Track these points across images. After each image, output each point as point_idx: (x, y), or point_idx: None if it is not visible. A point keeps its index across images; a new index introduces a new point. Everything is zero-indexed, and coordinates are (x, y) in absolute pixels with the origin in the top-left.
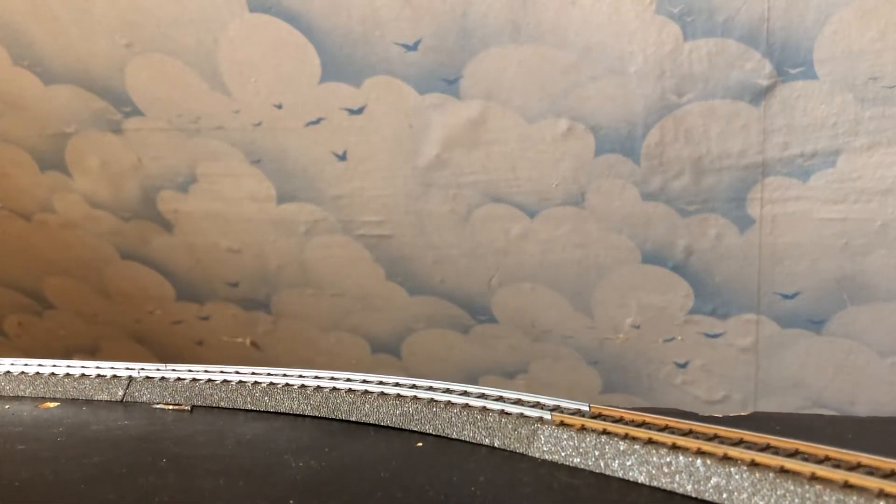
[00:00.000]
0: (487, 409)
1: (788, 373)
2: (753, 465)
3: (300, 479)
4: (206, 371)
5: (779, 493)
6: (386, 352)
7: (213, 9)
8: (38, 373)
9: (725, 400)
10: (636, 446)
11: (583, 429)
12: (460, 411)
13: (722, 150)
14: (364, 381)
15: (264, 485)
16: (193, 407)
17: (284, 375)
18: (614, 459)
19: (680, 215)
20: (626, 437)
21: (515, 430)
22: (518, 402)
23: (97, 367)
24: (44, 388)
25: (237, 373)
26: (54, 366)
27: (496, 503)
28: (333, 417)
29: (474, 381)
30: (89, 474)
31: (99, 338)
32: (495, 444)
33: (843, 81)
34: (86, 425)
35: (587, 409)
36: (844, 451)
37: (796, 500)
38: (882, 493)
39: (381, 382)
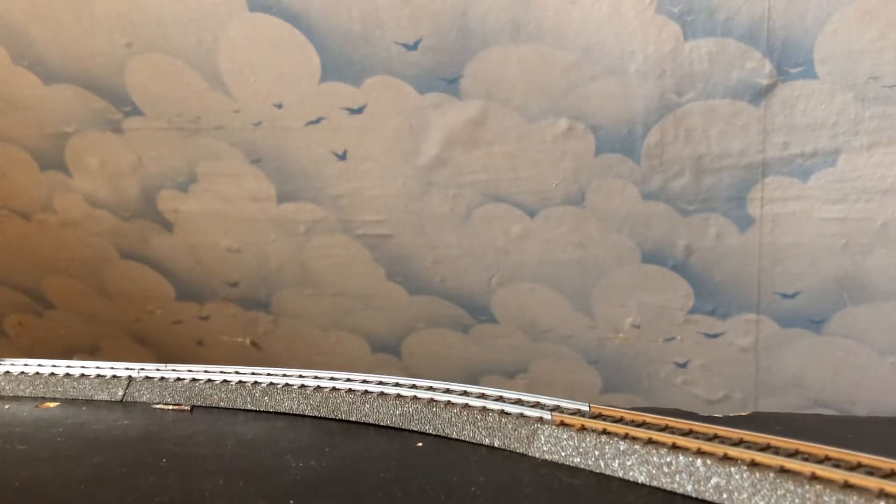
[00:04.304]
0: (487, 409)
1: (788, 373)
2: (753, 465)
3: (300, 479)
4: (206, 371)
5: (779, 493)
6: (386, 351)
7: (213, 8)
8: (38, 373)
9: (725, 399)
10: (636, 446)
11: (583, 429)
12: (460, 411)
13: (722, 150)
14: (364, 381)
15: (264, 485)
16: (193, 407)
17: (284, 375)
18: (614, 459)
19: (680, 215)
20: (626, 437)
21: (515, 430)
22: (518, 402)
23: (97, 367)
24: (44, 388)
25: (237, 373)
26: (54, 366)
27: (496, 503)
28: (333, 417)
29: (474, 381)
30: (89, 474)
31: (99, 338)
32: (495, 444)
33: (843, 81)
34: (86, 425)
35: (587, 409)
36: (844, 451)
37: (796, 500)
38: (882, 493)
39: (381, 382)
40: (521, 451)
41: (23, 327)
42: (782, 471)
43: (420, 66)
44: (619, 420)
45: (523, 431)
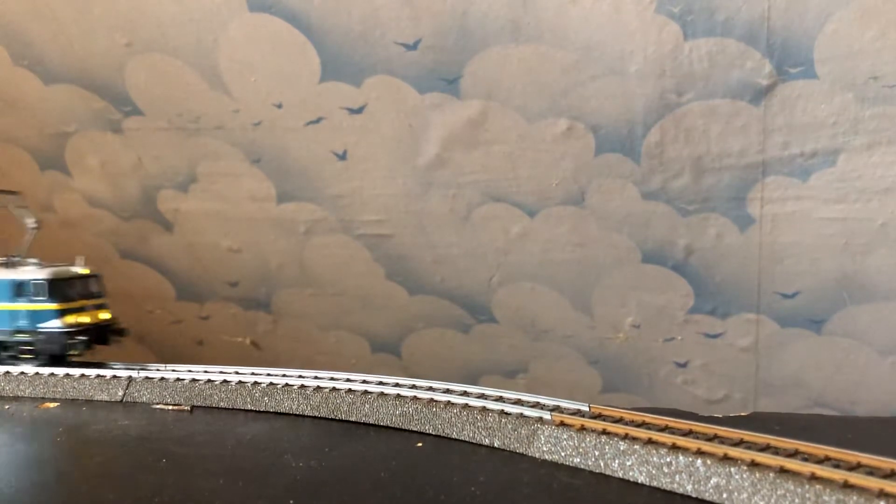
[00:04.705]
0: (487, 410)
1: (788, 372)
2: (753, 465)
3: (300, 479)
4: (205, 371)
5: (779, 493)
6: (386, 351)
7: (213, 8)
8: (37, 373)
9: (726, 399)
10: (636, 446)
11: (583, 429)
12: (460, 411)
13: (722, 150)
14: (364, 382)
15: (264, 485)
16: (193, 407)
17: (284, 375)
18: (614, 459)
19: (680, 215)
20: (626, 437)
21: (515, 430)
22: (518, 402)
23: (97, 368)
24: (44, 388)
25: (237, 373)
26: (54, 366)
27: (496, 503)
28: (333, 417)
29: (474, 381)
30: (89, 474)
31: None
32: (495, 445)
33: (843, 81)
34: (86, 425)
35: (587, 409)
36: (844, 451)
37: (796, 500)
38: (882, 493)
39: (381, 383)
40: (521, 451)
41: None
42: (782, 471)
43: (420, 66)
44: (619, 420)
45: (523, 431)
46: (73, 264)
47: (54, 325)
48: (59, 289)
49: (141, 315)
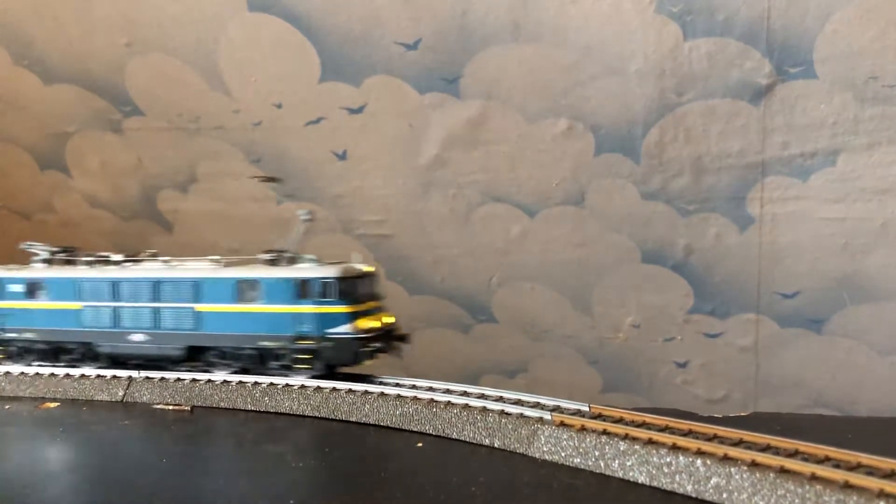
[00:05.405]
0: (487, 410)
1: (788, 372)
2: (753, 465)
3: (300, 479)
4: (206, 371)
5: (779, 493)
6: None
7: (213, 8)
8: (38, 373)
9: (726, 399)
10: (636, 446)
11: (583, 429)
12: (460, 412)
13: (722, 150)
14: (364, 382)
15: (264, 485)
16: (193, 407)
17: (284, 375)
18: (614, 459)
19: (680, 215)
20: (626, 437)
21: (515, 430)
22: (518, 402)
23: (97, 368)
24: (44, 388)
25: (237, 373)
26: (54, 366)
27: (496, 503)
28: (333, 417)
29: (474, 381)
30: (90, 474)
31: None
32: (495, 445)
33: (843, 81)
34: (86, 425)
35: (587, 409)
36: (844, 451)
37: (796, 500)
38: (882, 493)
39: (381, 383)
40: (521, 451)
41: None
42: (782, 471)
43: (420, 66)
44: (619, 420)
45: (523, 432)
46: (349, 260)
47: (345, 330)
48: (348, 289)
49: None
